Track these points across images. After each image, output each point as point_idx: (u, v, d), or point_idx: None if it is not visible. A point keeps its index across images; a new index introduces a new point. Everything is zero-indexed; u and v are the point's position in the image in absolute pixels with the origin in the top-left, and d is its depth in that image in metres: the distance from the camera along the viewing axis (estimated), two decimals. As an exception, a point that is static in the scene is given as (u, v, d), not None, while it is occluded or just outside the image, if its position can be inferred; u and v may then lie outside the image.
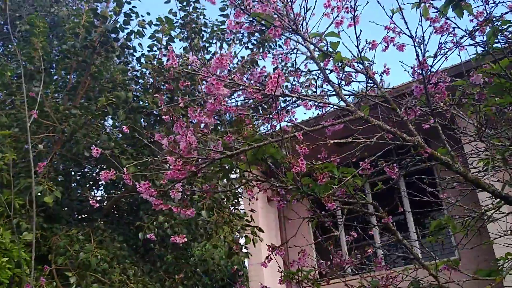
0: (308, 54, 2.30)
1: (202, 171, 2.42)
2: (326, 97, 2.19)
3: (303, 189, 2.14)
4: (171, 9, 8.29)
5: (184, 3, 8.44)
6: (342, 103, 2.17)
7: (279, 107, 2.44)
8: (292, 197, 2.37)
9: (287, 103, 2.49)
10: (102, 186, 9.40)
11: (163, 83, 7.97)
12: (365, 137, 2.16)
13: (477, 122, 2.47)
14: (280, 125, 2.02)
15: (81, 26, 7.43)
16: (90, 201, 2.41)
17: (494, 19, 2.10)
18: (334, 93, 2.20)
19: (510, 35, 2.14)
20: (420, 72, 2.03)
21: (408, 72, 2.22)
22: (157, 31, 7.93)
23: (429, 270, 2.36)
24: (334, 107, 2.15)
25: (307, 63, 2.40)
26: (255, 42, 8.92)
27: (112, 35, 7.32)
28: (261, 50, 8.96)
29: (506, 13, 2.17)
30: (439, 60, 2.04)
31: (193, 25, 8.56)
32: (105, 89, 7.31)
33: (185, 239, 2.70)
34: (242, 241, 8.53)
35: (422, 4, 2.18)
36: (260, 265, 2.87)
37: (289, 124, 2.23)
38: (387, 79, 2.78)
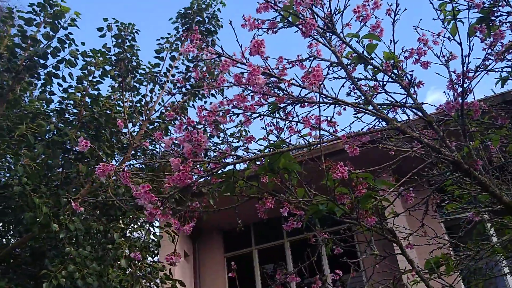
0: (334, 59, 2.12)
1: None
2: (361, 104, 2.00)
3: (334, 203, 1.87)
4: (106, 43, 7.88)
5: (120, 40, 8.08)
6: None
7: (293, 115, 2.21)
8: (307, 217, 2.08)
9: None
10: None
11: (89, 117, 7.38)
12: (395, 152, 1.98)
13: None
14: (319, 130, 1.77)
15: (4, 47, 6.76)
16: (73, 204, 1.92)
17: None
18: (365, 102, 2.02)
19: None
20: (460, 84, 1.93)
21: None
22: (89, 63, 7.42)
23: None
24: (370, 114, 1.96)
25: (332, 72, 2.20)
26: (189, 88, 8.70)
27: (40, 60, 6.70)
28: (196, 98, 8.74)
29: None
30: (479, 73, 1.96)
31: (127, 63, 8.17)
32: (26, 116, 6.56)
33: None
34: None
35: (452, 22, 2.13)
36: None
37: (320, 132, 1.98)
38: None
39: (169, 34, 9.14)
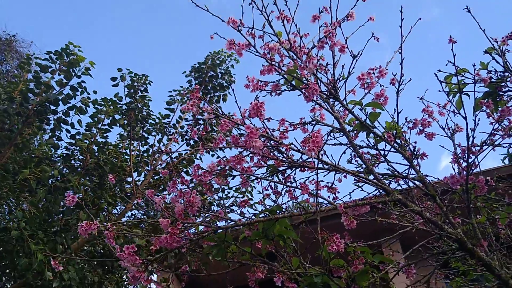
0: (336, 125, 2.07)
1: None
2: (362, 174, 1.93)
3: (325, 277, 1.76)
4: (118, 93, 7.99)
5: (132, 90, 8.20)
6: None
7: (291, 179, 2.14)
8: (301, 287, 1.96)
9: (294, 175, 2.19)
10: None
11: (94, 165, 7.37)
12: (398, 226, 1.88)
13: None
14: (316, 198, 1.69)
15: (18, 91, 6.88)
16: (52, 262, 1.82)
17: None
18: (366, 170, 1.95)
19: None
20: (464, 159, 1.86)
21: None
22: (100, 111, 7.50)
23: None
24: (371, 184, 1.88)
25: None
26: (197, 140, 8.71)
27: (51, 106, 6.78)
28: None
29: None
30: (485, 149, 1.90)
31: (137, 113, 8.25)
32: (31, 161, 6.57)
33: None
34: None
35: (458, 95, 2.09)
36: None
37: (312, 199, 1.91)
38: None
39: (181, 86, 9.27)
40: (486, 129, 1.98)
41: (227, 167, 1.97)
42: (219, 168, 2.02)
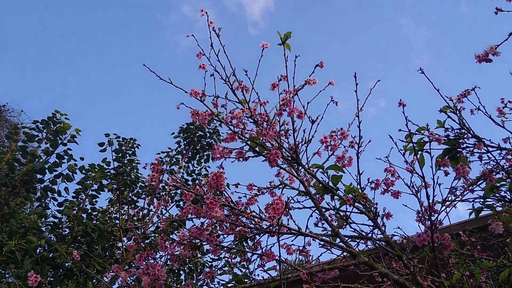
0: (302, 188, 2.10)
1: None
2: (328, 237, 1.94)
3: None
4: (105, 158, 8.02)
5: (120, 154, 8.24)
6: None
7: (261, 247, 2.13)
8: None
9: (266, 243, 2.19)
10: None
11: (82, 232, 7.29)
12: None
13: None
14: (279, 264, 1.69)
15: (4, 162, 6.90)
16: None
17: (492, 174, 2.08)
18: (332, 233, 1.95)
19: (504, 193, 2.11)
20: (427, 217, 1.87)
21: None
22: (87, 178, 7.50)
23: None
24: (337, 248, 1.88)
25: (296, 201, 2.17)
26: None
27: (38, 175, 6.79)
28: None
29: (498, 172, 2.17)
30: (446, 208, 1.91)
31: (125, 177, 8.25)
32: (17, 232, 6.49)
33: None
34: None
35: (420, 153, 2.13)
36: None
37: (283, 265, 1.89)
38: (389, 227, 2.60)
39: (169, 148, 9.33)
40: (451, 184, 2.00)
41: (194, 237, 1.97)
42: (187, 238, 2.02)
